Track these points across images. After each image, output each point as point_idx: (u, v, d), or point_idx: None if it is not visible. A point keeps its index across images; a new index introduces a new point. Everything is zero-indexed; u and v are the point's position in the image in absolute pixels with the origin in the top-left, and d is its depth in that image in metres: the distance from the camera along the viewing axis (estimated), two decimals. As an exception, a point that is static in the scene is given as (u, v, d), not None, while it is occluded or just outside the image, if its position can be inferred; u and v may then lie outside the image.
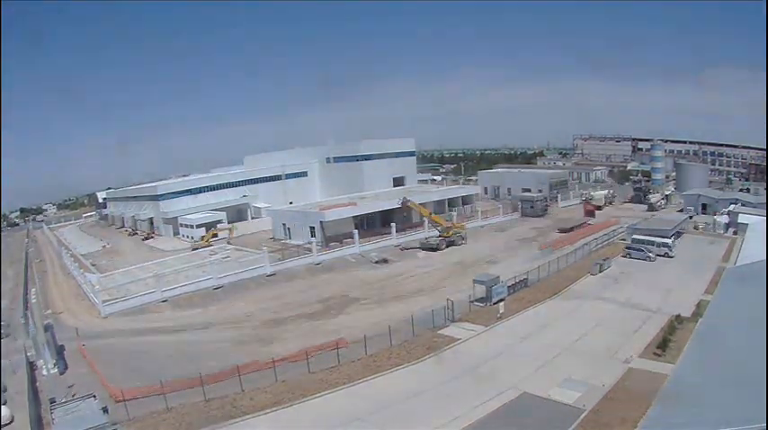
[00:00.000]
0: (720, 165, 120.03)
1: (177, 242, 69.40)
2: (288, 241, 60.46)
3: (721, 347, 21.84)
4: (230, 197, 79.97)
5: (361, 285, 44.25)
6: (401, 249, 56.04)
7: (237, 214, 78.63)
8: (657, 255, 46.52)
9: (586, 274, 42.14)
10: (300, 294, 42.65)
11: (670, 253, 46.76)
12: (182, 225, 70.99)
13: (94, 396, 22.51)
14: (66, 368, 29.69)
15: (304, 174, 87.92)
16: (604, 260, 44.52)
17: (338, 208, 61.74)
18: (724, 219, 59.05)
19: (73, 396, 23.98)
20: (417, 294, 40.40)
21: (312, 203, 71.02)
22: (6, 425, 21.99)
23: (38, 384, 27.74)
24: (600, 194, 79.46)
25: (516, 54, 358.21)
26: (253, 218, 79.72)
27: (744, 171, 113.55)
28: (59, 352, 31.02)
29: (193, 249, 61.97)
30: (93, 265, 58.25)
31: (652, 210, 72.44)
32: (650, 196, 77.92)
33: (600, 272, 42.69)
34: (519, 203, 74.88)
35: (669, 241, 47.87)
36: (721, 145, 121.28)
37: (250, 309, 39.91)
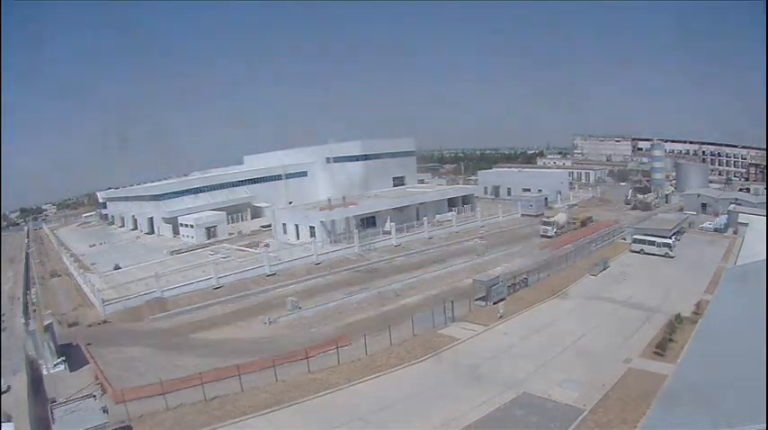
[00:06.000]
0: (720, 165, 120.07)
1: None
2: (289, 241, 60.59)
3: (721, 347, 21.80)
4: (230, 197, 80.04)
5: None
6: None
7: (238, 214, 78.76)
8: (656, 255, 46.70)
9: (586, 274, 42.18)
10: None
11: (670, 252, 46.86)
12: (182, 225, 70.99)
13: (94, 396, 22.51)
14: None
15: (304, 173, 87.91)
16: (604, 260, 44.62)
17: (338, 208, 61.78)
18: (722, 219, 59.15)
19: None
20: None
21: (312, 203, 71.03)
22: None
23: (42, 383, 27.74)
24: (560, 217, 61.72)
25: (516, 53, 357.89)
26: (253, 217, 79.87)
27: (744, 171, 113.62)
28: (68, 351, 31.02)
29: None
30: (93, 265, 58.24)
31: (647, 210, 72.63)
32: (646, 195, 78.08)
33: (601, 271, 42.77)
34: (518, 203, 75.07)
35: (670, 241, 48.02)
36: (721, 145, 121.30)
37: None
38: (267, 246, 58.31)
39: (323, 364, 27.61)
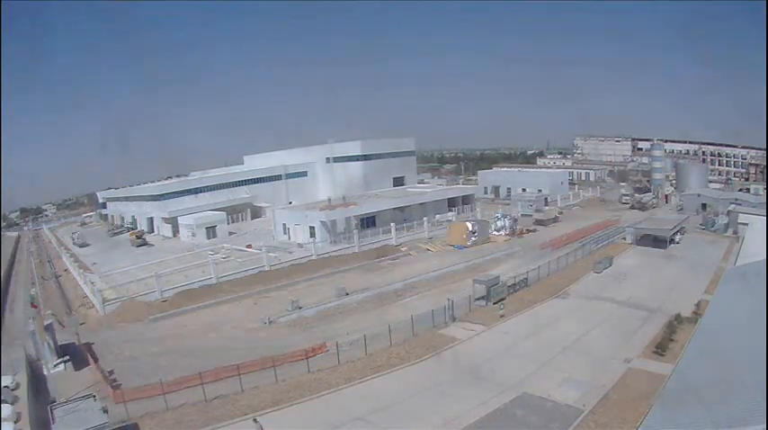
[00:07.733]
0: (720, 165, 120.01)
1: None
2: (289, 241, 60.58)
3: (721, 347, 21.81)
4: (231, 197, 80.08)
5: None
6: None
7: (238, 214, 78.81)
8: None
9: (588, 273, 42.26)
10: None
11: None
12: (181, 225, 70.95)
13: (94, 396, 22.48)
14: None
15: (304, 173, 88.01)
16: (608, 258, 44.80)
17: (338, 208, 61.77)
18: (722, 219, 59.16)
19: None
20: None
21: (312, 203, 71.02)
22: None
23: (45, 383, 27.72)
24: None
25: (517, 53, 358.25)
26: (253, 217, 79.83)
27: (744, 171, 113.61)
28: (68, 351, 31.02)
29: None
30: (94, 264, 58.19)
31: (644, 210, 72.69)
32: (643, 195, 78.07)
33: (605, 269, 43.03)
34: (518, 203, 75.09)
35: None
36: (721, 145, 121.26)
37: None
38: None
39: (323, 364, 27.60)
